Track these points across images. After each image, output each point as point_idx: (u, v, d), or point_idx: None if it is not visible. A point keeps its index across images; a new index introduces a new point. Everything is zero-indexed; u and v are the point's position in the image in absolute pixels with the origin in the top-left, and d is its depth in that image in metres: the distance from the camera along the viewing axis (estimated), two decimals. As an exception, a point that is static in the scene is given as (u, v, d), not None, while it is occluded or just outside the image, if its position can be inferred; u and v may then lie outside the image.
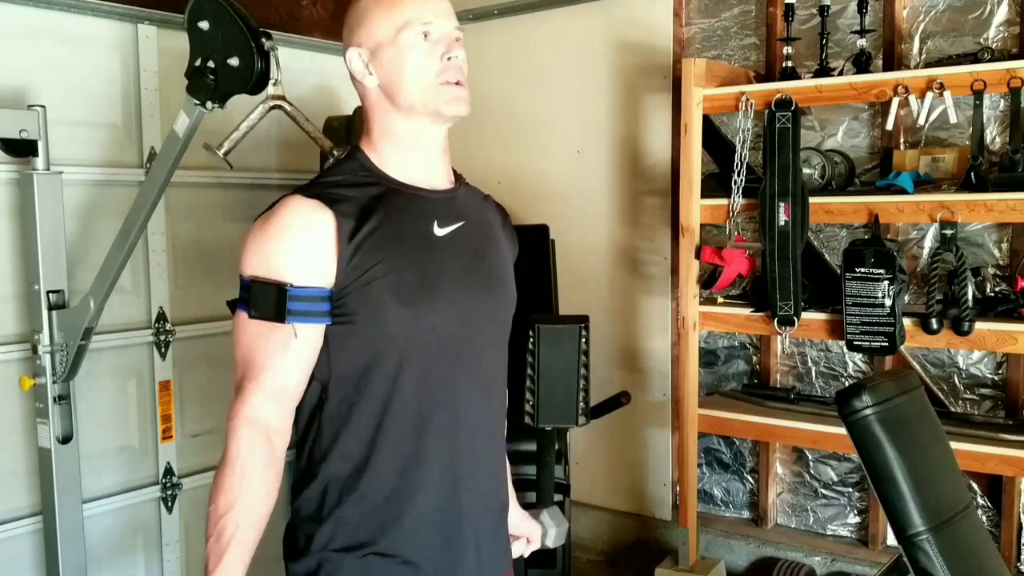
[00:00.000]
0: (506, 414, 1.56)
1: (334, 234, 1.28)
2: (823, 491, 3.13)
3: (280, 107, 2.09)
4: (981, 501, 2.81)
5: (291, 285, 1.28)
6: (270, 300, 1.29)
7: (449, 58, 1.35)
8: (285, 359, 1.30)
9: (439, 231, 1.38)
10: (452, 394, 1.38)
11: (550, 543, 1.77)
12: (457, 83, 1.36)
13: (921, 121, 2.71)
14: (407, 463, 1.35)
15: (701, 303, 2.91)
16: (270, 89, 2.05)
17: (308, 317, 1.29)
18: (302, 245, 1.29)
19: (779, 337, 3.02)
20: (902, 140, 2.85)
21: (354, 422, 1.34)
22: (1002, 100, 2.66)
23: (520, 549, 1.70)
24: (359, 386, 1.33)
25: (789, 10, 2.80)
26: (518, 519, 1.68)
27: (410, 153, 1.39)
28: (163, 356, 2.86)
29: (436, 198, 1.40)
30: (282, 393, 1.32)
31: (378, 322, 1.31)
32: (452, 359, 1.37)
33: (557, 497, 2.84)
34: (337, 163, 1.44)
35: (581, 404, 2.57)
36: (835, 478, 3.10)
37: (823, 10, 2.74)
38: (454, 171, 1.48)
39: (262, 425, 1.30)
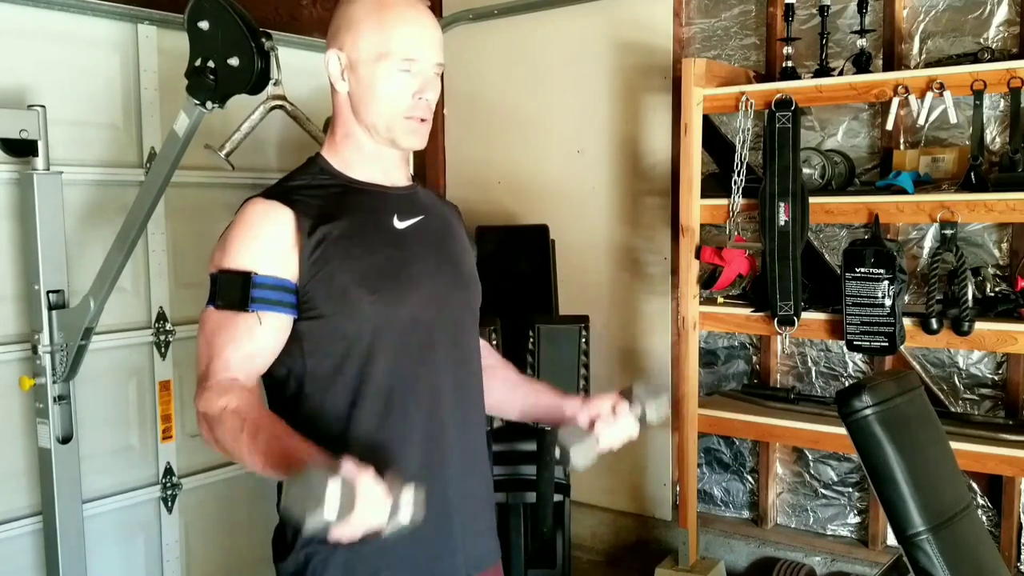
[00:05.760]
0: (483, 402, 1.55)
1: (294, 230, 1.33)
2: (823, 491, 3.13)
3: (281, 107, 2.09)
4: (981, 501, 2.81)
5: (256, 274, 1.31)
6: (235, 288, 1.31)
7: (421, 98, 1.38)
8: (249, 342, 1.32)
9: (399, 224, 1.42)
10: (426, 381, 1.39)
11: (653, 418, 1.44)
12: (421, 120, 1.39)
13: (921, 121, 2.71)
14: (386, 451, 1.35)
15: (701, 303, 2.91)
16: (271, 89, 2.05)
17: (272, 305, 1.31)
18: (264, 239, 1.33)
19: (779, 337, 3.02)
20: (902, 140, 2.85)
21: (331, 414, 1.35)
22: (1002, 100, 2.66)
23: (609, 435, 1.41)
24: (334, 379, 1.35)
25: (789, 10, 2.80)
26: (575, 405, 1.47)
27: (369, 158, 1.43)
28: (163, 356, 2.86)
29: (395, 194, 1.45)
30: (245, 367, 1.32)
31: (346, 313, 1.33)
32: (423, 345, 1.39)
33: (557, 497, 2.85)
34: (298, 168, 1.47)
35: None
36: (835, 478, 3.10)
37: (823, 10, 2.74)
38: (412, 175, 1.52)
39: (230, 382, 1.29)
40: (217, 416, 1.26)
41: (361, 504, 1.08)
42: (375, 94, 1.37)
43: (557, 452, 1.41)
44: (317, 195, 1.38)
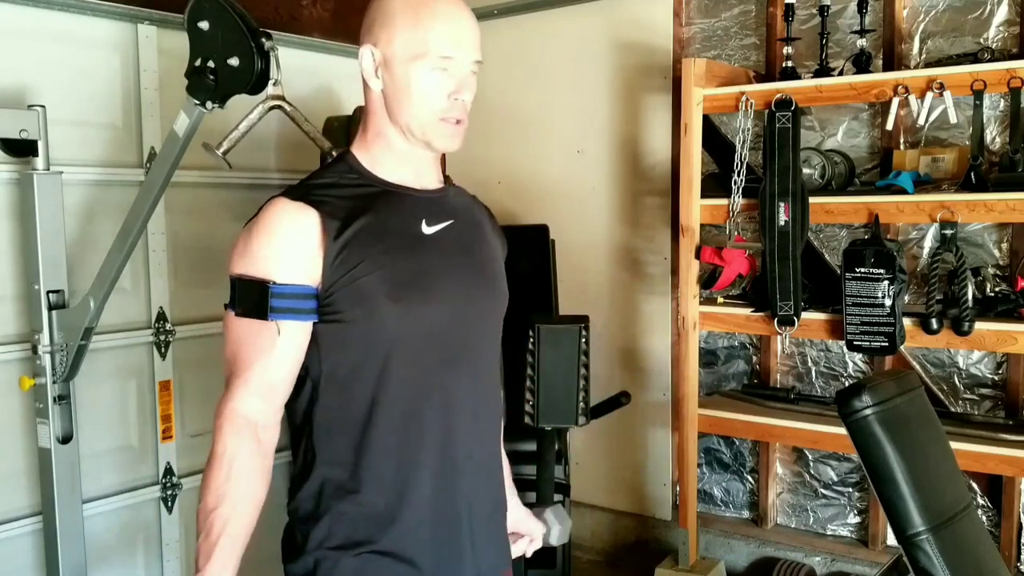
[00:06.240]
0: (501, 411, 1.56)
1: (319, 233, 1.30)
2: (823, 491, 3.13)
3: (280, 107, 2.09)
4: (981, 501, 2.82)
5: (274, 282, 1.29)
6: (253, 297, 1.30)
7: (457, 99, 1.35)
8: (270, 356, 1.31)
9: (427, 229, 1.39)
10: (444, 390, 1.38)
11: (554, 541, 1.75)
12: (457, 122, 1.36)
13: (921, 121, 2.72)
14: (399, 458, 1.35)
15: (701, 303, 2.91)
16: (270, 89, 2.05)
17: (292, 314, 1.30)
18: (286, 244, 1.30)
19: (779, 337, 3.02)
20: (902, 140, 2.85)
21: (346, 419, 1.34)
22: (1002, 100, 2.66)
23: (522, 548, 1.69)
24: (350, 383, 1.34)
25: (789, 10, 2.80)
26: (520, 517, 1.68)
27: (400, 158, 1.40)
28: (163, 356, 2.86)
29: (424, 197, 1.41)
30: (268, 389, 1.32)
31: (368, 319, 1.31)
32: (443, 354, 1.38)
33: (557, 497, 2.84)
34: (327, 165, 1.45)
35: (581, 404, 2.57)
36: (835, 478, 3.10)
37: (823, 10, 2.74)
38: (444, 174, 1.50)
39: (249, 421, 1.30)
40: (215, 462, 1.29)
41: None
42: (410, 94, 1.34)
43: None
44: (344, 196, 1.35)
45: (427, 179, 1.43)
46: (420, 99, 1.34)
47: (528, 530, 1.69)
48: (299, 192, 1.35)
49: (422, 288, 1.35)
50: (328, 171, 1.41)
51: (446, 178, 1.50)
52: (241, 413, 1.30)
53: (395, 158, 1.40)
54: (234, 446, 1.29)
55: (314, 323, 1.33)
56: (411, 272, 1.34)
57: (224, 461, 1.29)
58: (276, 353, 1.31)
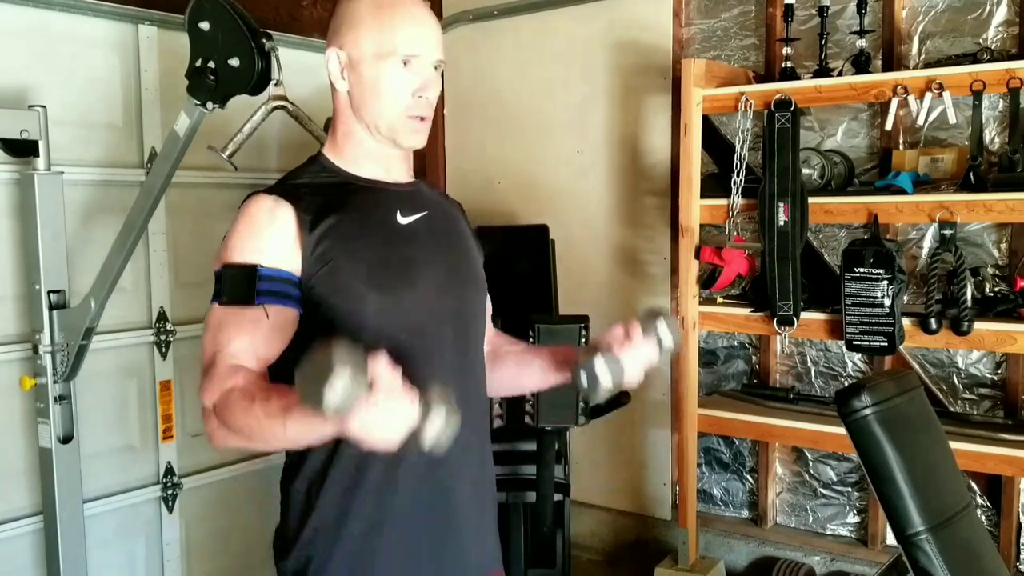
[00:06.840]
0: (488, 402, 1.55)
1: (295, 226, 1.32)
2: (823, 491, 3.13)
3: (283, 107, 2.10)
4: (981, 501, 2.82)
5: (261, 266, 1.30)
6: (240, 282, 1.30)
7: (422, 96, 1.37)
8: (256, 335, 1.29)
9: (402, 219, 1.42)
10: (432, 380, 1.37)
11: (669, 339, 1.40)
12: (422, 119, 1.39)
13: (920, 121, 2.72)
14: (389, 453, 1.33)
15: (701, 303, 2.91)
16: (272, 89, 2.05)
17: (279, 298, 1.30)
18: (268, 233, 1.32)
19: (779, 337, 3.02)
20: (901, 140, 2.86)
21: None
22: (1001, 100, 2.66)
23: (631, 354, 1.37)
24: None
25: (788, 10, 2.80)
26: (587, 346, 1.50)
27: (370, 155, 1.43)
28: (164, 356, 2.87)
29: (397, 190, 1.44)
30: (254, 357, 1.28)
31: (350, 309, 1.32)
32: (431, 345, 1.38)
33: (557, 497, 2.85)
34: (300, 166, 1.47)
35: (581, 404, 2.58)
36: (835, 478, 3.11)
37: (822, 10, 2.74)
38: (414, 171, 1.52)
39: (235, 368, 1.25)
40: (223, 401, 1.21)
41: (377, 395, 1.04)
42: (376, 93, 1.37)
43: (583, 377, 1.32)
44: (319, 192, 1.38)
45: (397, 174, 1.46)
46: (387, 97, 1.37)
47: (614, 338, 1.39)
48: (275, 189, 1.38)
49: (402, 276, 1.37)
50: (302, 171, 1.44)
51: (416, 175, 1.52)
52: (228, 364, 1.25)
53: (365, 155, 1.43)
54: (235, 380, 1.22)
55: (300, 316, 1.32)
56: (389, 261, 1.36)
57: (236, 393, 1.19)
58: (261, 333, 1.29)
